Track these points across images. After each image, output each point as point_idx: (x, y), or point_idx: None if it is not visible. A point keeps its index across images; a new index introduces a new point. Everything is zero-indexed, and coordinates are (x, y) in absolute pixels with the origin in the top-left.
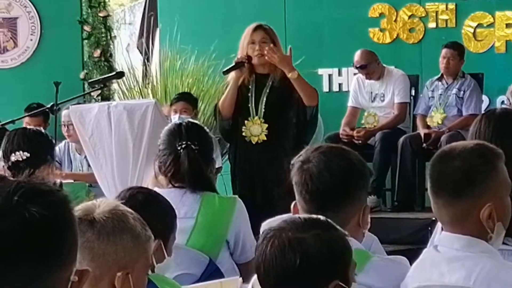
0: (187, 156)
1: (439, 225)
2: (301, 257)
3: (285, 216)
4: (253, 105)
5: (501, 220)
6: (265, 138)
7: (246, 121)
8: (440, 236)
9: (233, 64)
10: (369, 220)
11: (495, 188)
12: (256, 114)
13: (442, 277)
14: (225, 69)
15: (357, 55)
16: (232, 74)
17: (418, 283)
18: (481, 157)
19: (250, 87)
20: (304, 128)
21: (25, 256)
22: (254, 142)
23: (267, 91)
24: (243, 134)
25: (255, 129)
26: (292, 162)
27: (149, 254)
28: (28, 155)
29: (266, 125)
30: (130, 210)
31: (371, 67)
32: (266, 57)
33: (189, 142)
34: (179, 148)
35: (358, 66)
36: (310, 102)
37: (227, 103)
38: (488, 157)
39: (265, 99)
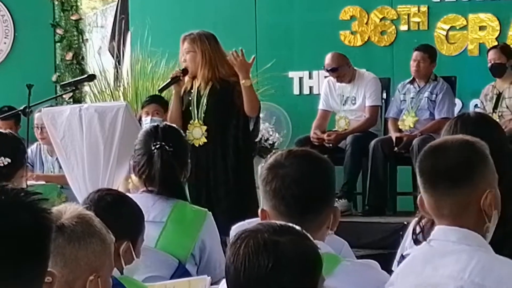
0: (160, 157)
1: (410, 229)
2: (274, 259)
3: (253, 221)
4: (195, 108)
5: (497, 208)
6: (205, 141)
7: (188, 125)
8: (434, 231)
9: (169, 80)
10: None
11: (490, 176)
12: (197, 117)
13: (435, 270)
14: (160, 87)
15: (328, 58)
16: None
17: (409, 281)
18: (474, 147)
19: (192, 91)
20: (245, 135)
21: (15, 261)
22: (197, 145)
23: (207, 94)
24: (187, 138)
25: (196, 132)
26: (261, 166)
27: (112, 257)
28: (10, 160)
29: (205, 127)
30: (93, 214)
31: (342, 70)
32: (228, 58)
33: (163, 143)
34: (153, 148)
35: (329, 69)
36: (251, 112)
37: (173, 116)
38: (480, 148)
39: (205, 101)
